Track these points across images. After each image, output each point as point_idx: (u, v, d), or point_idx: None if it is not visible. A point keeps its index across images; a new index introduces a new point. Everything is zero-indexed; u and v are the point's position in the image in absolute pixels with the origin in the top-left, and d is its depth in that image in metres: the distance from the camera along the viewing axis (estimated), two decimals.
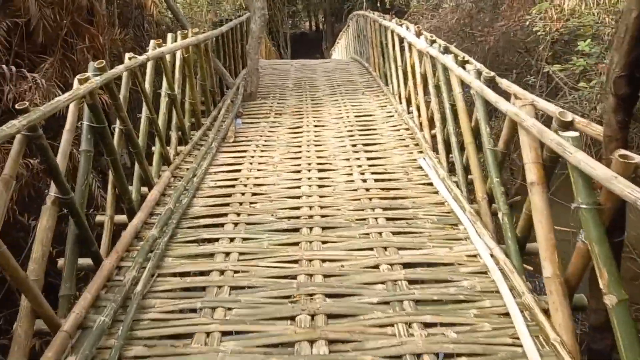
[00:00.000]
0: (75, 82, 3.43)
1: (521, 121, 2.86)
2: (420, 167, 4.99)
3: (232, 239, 3.77)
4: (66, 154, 3.20)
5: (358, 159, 5.35)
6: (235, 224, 4.01)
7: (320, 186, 4.70)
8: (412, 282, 3.19)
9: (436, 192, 4.44)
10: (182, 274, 3.42)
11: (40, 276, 2.79)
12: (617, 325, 2.16)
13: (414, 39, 5.90)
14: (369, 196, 4.43)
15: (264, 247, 3.65)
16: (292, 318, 2.85)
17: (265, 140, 6.10)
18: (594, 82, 5.27)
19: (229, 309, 2.95)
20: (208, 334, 2.75)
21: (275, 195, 4.54)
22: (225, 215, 4.16)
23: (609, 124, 2.34)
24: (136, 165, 4.37)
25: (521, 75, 8.20)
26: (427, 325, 2.78)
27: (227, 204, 4.37)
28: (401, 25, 6.97)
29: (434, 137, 5.46)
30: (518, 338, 2.63)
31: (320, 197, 4.46)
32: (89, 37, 6.21)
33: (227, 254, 3.57)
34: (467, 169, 4.37)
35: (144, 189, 4.47)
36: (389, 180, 4.79)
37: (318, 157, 5.45)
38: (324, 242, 3.69)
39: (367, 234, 3.78)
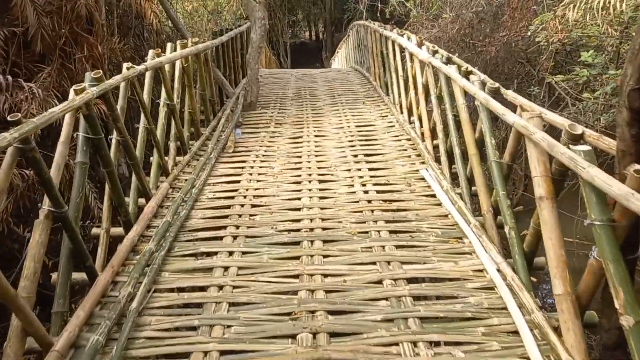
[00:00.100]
0: (71, 92, 3.35)
1: (530, 134, 2.78)
2: (422, 178, 4.91)
3: (231, 253, 3.67)
4: (60, 167, 3.11)
5: (359, 169, 5.26)
6: (235, 237, 3.92)
7: (321, 197, 4.61)
8: (416, 298, 3.09)
9: (439, 204, 4.35)
10: (180, 290, 3.32)
11: (31, 294, 2.69)
12: (634, 347, 2.06)
13: (416, 49, 5.85)
14: (371, 208, 4.34)
15: (263, 261, 3.55)
16: (293, 336, 2.75)
17: (265, 151, 6.02)
18: (598, 93, 5.21)
19: (228, 326, 2.85)
20: (206, 353, 2.65)
21: (275, 207, 4.45)
22: (224, 227, 4.07)
23: (623, 138, 2.26)
24: (133, 177, 4.28)
25: (522, 86, 8.16)
26: (433, 344, 2.68)
27: (226, 216, 4.28)
28: (402, 35, 6.93)
29: (436, 147, 5.39)
30: (528, 358, 2.53)
31: (321, 209, 4.37)
32: (88, 47, 6.15)
33: (226, 268, 3.47)
34: (470, 181, 4.29)
35: (142, 201, 4.38)
36: (391, 191, 4.70)
37: (319, 168, 5.36)
38: (325, 256, 3.59)
39: (370, 247, 3.69)
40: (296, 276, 3.36)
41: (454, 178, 4.83)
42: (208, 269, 3.48)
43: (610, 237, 2.20)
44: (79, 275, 3.32)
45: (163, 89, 5.27)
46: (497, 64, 8.81)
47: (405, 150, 5.77)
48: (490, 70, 8.23)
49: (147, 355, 2.67)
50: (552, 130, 3.12)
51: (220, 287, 3.24)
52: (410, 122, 6.44)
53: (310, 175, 5.15)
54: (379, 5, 16.07)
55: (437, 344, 2.68)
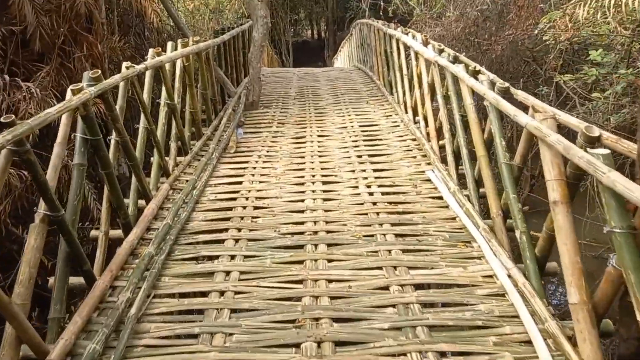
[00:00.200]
0: (69, 92, 3.25)
1: (544, 136, 2.67)
2: (428, 180, 4.81)
3: (232, 257, 3.57)
4: (57, 169, 3.02)
5: (364, 170, 5.16)
6: (236, 240, 3.82)
7: (325, 199, 4.51)
8: (424, 305, 2.98)
9: (447, 207, 4.24)
10: (180, 295, 3.21)
11: (26, 300, 2.60)
12: None
13: (422, 48, 5.74)
14: (376, 210, 4.24)
15: (266, 265, 3.45)
16: (297, 345, 2.65)
17: (267, 151, 5.92)
18: (608, 93, 5.09)
19: (229, 334, 2.75)
20: None
21: (278, 209, 4.35)
22: (226, 230, 3.97)
23: None
24: (133, 178, 4.19)
25: (528, 84, 8.05)
26: (442, 354, 2.58)
27: (228, 219, 4.18)
28: (407, 33, 6.81)
29: (441, 148, 5.29)
30: None
31: (325, 211, 4.27)
32: (87, 45, 6.06)
33: (228, 273, 3.37)
34: (477, 182, 4.19)
35: (142, 202, 4.29)
36: (397, 193, 4.60)
37: (322, 169, 5.26)
38: (329, 261, 3.49)
39: (376, 251, 3.58)
40: (300, 281, 3.25)
41: (461, 179, 4.73)
42: (209, 274, 3.38)
43: (631, 245, 2.09)
44: (76, 280, 3.22)
45: (164, 88, 5.16)
46: (502, 63, 8.69)
47: (411, 150, 5.66)
48: (496, 69, 8.11)
49: None
50: (559, 130, 3.01)
51: (222, 293, 3.14)
52: (415, 122, 6.33)
53: (313, 176, 5.05)
54: (382, 3, 15.95)
55: (447, 354, 2.58)
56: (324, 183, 4.88)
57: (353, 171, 5.15)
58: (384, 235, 3.81)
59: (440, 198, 4.41)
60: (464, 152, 4.37)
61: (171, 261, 3.54)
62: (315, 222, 4.05)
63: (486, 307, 2.92)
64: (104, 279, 3.18)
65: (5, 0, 5.37)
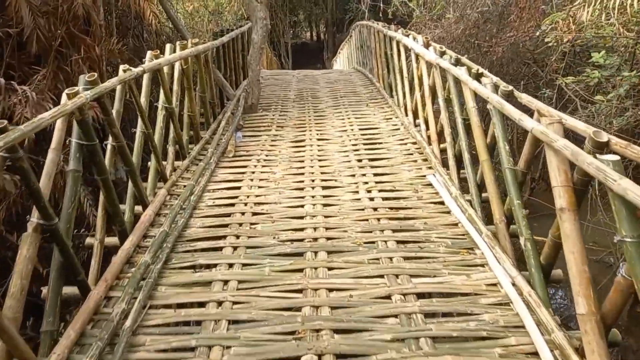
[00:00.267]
0: (64, 96, 3.18)
1: (550, 141, 2.60)
2: (430, 184, 4.73)
3: (231, 265, 3.50)
4: (51, 175, 2.94)
5: (364, 175, 5.09)
6: (235, 248, 3.74)
7: (325, 205, 4.43)
8: (427, 315, 2.91)
9: (448, 212, 4.17)
10: (177, 306, 3.14)
11: (18, 313, 2.52)
12: None
13: (423, 50, 5.67)
14: (377, 216, 4.16)
15: (265, 274, 3.37)
16: (297, 358, 2.58)
17: (266, 155, 5.85)
18: (612, 95, 5.02)
19: (227, 347, 2.67)
20: None
21: (277, 215, 4.27)
22: (224, 237, 3.89)
23: None
24: (129, 184, 4.11)
25: (528, 87, 7.98)
26: None
27: (226, 225, 4.10)
28: (408, 35, 6.75)
29: (442, 151, 5.22)
30: None
31: (325, 217, 4.19)
32: (85, 48, 5.98)
33: (226, 282, 3.29)
34: (480, 187, 4.12)
35: (138, 208, 4.21)
36: (398, 198, 4.52)
37: (322, 173, 5.19)
38: (330, 269, 3.41)
39: (377, 259, 3.51)
40: (300, 291, 3.18)
41: (462, 183, 4.67)
42: (207, 283, 3.30)
43: None
44: (70, 290, 3.15)
45: (161, 91, 5.09)
46: (502, 65, 8.62)
47: (412, 154, 5.59)
48: (496, 71, 8.03)
49: None
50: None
51: (220, 303, 3.06)
52: (416, 125, 6.27)
53: (313, 181, 4.97)
54: (381, 5, 15.89)
55: None
56: (324, 188, 4.81)
57: (353, 175, 5.08)
58: (385, 242, 3.73)
59: (442, 203, 4.34)
60: (466, 156, 4.30)
61: (168, 270, 3.46)
62: (315, 229, 3.98)
63: (491, 316, 2.84)
64: (98, 290, 3.10)
65: (2, 1, 5.30)
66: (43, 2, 5.62)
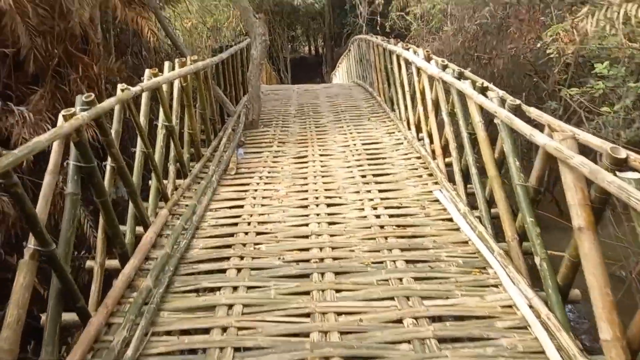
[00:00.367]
0: (60, 118, 3.09)
1: (565, 158, 2.51)
2: (437, 200, 4.64)
3: (235, 288, 3.38)
4: (48, 200, 2.83)
5: (369, 191, 4.99)
6: (239, 270, 3.63)
7: (330, 223, 4.33)
8: (442, 340, 2.79)
9: (457, 229, 4.07)
10: (180, 332, 3.02)
11: (14, 345, 2.40)
12: None
13: (424, 63, 5.62)
14: (385, 234, 4.06)
15: (271, 297, 3.26)
16: None
17: (269, 172, 5.76)
18: (618, 107, 4.95)
19: None
20: None
21: (281, 234, 4.17)
22: (228, 259, 3.78)
23: None
24: (130, 205, 4.01)
25: (530, 98, 7.92)
26: None
27: (230, 246, 4.00)
28: (407, 49, 6.71)
29: (448, 165, 5.13)
30: None
31: (331, 236, 4.09)
32: (83, 67, 5.93)
33: (230, 306, 3.17)
34: (489, 203, 4.02)
35: (139, 229, 4.10)
36: (405, 215, 4.42)
37: (326, 190, 5.09)
38: (338, 291, 3.30)
39: (386, 280, 3.40)
40: (307, 315, 3.06)
41: (469, 197, 4.57)
42: (211, 307, 3.19)
43: None
44: (70, 316, 3.02)
45: (161, 109, 5.01)
46: (503, 77, 8.59)
47: (416, 169, 5.50)
48: (496, 83, 7.99)
49: None
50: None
51: (224, 329, 2.94)
52: (419, 139, 6.19)
53: (317, 198, 4.88)
54: (379, 19, 15.96)
55: None
56: (329, 205, 4.71)
57: (358, 192, 4.98)
58: (394, 261, 3.62)
59: (450, 220, 4.24)
60: (474, 171, 4.22)
61: (170, 294, 3.35)
62: (321, 249, 3.87)
63: (508, 341, 2.72)
64: (98, 316, 2.98)
65: None
66: (40, 21, 5.58)
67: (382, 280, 3.38)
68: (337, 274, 3.50)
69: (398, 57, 7.19)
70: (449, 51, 9.64)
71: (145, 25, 7.60)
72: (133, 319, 2.97)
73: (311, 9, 22.33)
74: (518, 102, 3.47)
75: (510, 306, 3.03)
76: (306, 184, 5.27)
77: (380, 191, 4.97)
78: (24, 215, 2.58)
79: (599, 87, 5.41)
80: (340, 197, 4.88)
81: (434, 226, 4.16)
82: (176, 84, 5.61)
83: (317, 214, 4.51)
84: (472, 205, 4.32)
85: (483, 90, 4.03)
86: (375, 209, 4.56)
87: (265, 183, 5.40)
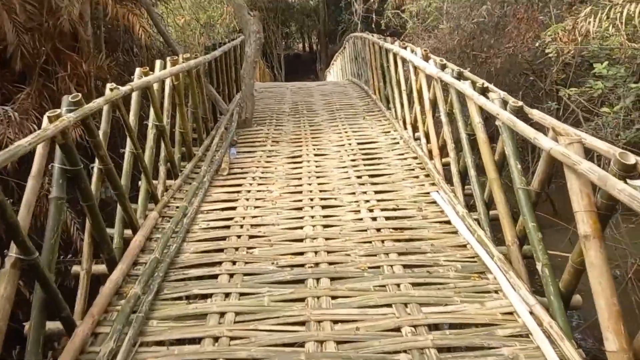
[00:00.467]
0: (45, 119, 2.96)
1: (573, 164, 2.41)
2: (434, 202, 4.54)
3: (227, 295, 3.27)
4: (31, 206, 2.70)
5: (365, 192, 4.89)
6: (231, 275, 3.51)
7: (325, 226, 4.22)
8: (441, 349, 2.69)
9: (455, 232, 3.98)
10: (170, 343, 2.90)
11: None
12: None
13: (422, 63, 5.52)
14: (381, 238, 3.96)
15: (264, 304, 3.15)
16: None
17: (262, 172, 5.64)
18: (618, 107, 4.87)
19: None
20: None
21: (275, 237, 4.05)
22: (219, 264, 3.66)
23: None
24: (118, 208, 3.88)
25: (526, 97, 7.85)
26: None
27: (221, 250, 3.88)
28: (405, 48, 6.60)
29: (445, 166, 5.04)
30: None
31: (326, 239, 3.98)
32: (72, 65, 5.79)
33: (222, 314, 3.06)
34: (487, 205, 3.94)
35: (128, 232, 3.98)
36: (402, 218, 4.32)
37: (321, 191, 4.98)
38: (333, 297, 3.19)
39: (383, 285, 3.29)
40: (302, 323, 2.96)
41: (467, 197, 4.49)
42: (202, 316, 3.07)
43: None
44: (54, 325, 2.90)
45: (151, 109, 4.88)
46: (499, 75, 8.52)
47: (413, 170, 5.40)
48: (492, 81, 7.92)
49: None
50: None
51: (216, 339, 2.83)
52: (416, 139, 6.10)
53: (312, 200, 4.77)
54: (374, 16, 15.84)
55: None
56: (324, 207, 4.60)
57: (353, 193, 4.88)
58: (391, 266, 3.52)
59: (448, 222, 4.15)
60: (472, 173, 4.13)
61: (160, 301, 3.23)
62: (316, 253, 3.77)
63: (509, 350, 2.63)
64: (84, 326, 2.86)
65: None
66: (28, 17, 5.43)
67: (379, 286, 3.28)
68: (332, 279, 3.40)
69: (395, 55, 7.09)
70: (444, 49, 9.54)
71: (137, 22, 7.44)
72: (120, 329, 2.85)
73: (306, 6, 22.20)
74: (520, 103, 3.37)
75: (510, 313, 2.94)
76: (300, 185, 5.17)
77: (376, 192, 4.88)
78: (5, 223, 2.45)
79: (598, 87, 5.34)
80: (335, 199, 4.78)
81: (432, 229, 4.07)
82: (168, 82, 5.48)
83: (312, 216, 4.40)
84: (470, 206, 4.23)
85: (483, 91, 3.93)
86: (371, 210, 4.46)
87: (259, 184, 5.28)
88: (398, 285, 3.29)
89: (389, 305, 3.07)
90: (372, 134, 6.84)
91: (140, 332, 2.89)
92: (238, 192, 5.08)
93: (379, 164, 5.69)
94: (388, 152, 6.04)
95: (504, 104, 3.46)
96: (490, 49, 8.16)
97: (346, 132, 7.02)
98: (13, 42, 5.26)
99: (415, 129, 6.20)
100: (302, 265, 3.60)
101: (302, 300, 3.18)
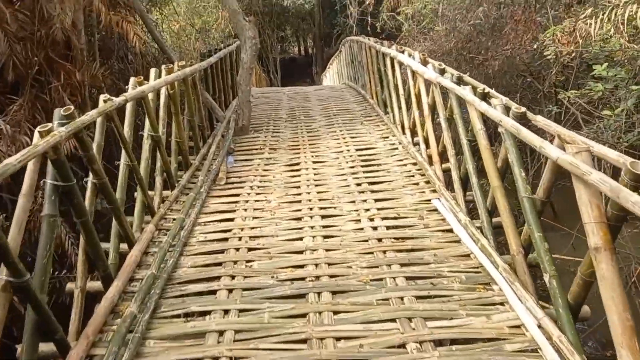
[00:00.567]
0: (36, 134, 2.87)
1: (582, 174, 2.34)
2: (435, 210, 4.47)
3: (226, 312, 3.18)
4: (22, 225, 2.61)
5: (365, 201, 4.80)
6: (230, 290, 3.42)
7: (325, 237, 4.14)
8: None
9: (458, 241, 3.90)
10: None
11: None
12: None
13: (421, 67, 5.44)
14: (383, 248, 3.87)
15: (264, 321, 3.06)
16: None
17: (260, 181, 5.56)
18: (620, 110, 4.81)
19: None
20: None
21: (274, 250, 3.97)
22: (218, 278, 3.57)
23: None
24: (114, 222, 3.79)
25: (524, 99, 7.79)
26: None
27: (220, 264, 3.79)
28: (402, 51, 6.53)
29: (445, 171, 4.97)
30: None
31: (327, 250, 3.90)
32: (65, 74, 5.70)
33: (221, 332, 2.97)
34: (490, 213, 3.86)
35: (124, 246, 3.88)
36: (403, 227, 4.24)
37: (320, 200, 4.90)
38: (335, 312, 3.11)
39: (386, 299, 3.21)
40: (304, 341, 2.87)
41: (468, 204, 4.42)
42: (200, 334, 2.98)
43: None
44: (48, 347, 2.81)
45: (147, 119, 4.79)
46: (496, 77, 8.46)
47: (413, 176, 5.32)
48: (490, 83, 7.86)
49: None
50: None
51: None
52: (415, 144, 6.02)
53: (311, 209, 4.68)
54: (369, 19, 15.79)
55: None
56: (323, 217, 4.52)
57: (353, 202, 4.79)
58: (394, 278, 3.44)
59: (450, 231, 4.07)
60: (474, 180, 4.05)
61: (157, 319, 3.13)
62: (316, 265, 3.68)
63: None
64: (79, 348, 2.77)
65: None
66: (19, 27, 5.34)
67: (382, 300, 3.20)
68: (334, 293, 3.32)
69: (392, 59, 7.02)
70: (441, 52, 9.48)
71: (131, 29, 7.36)
72: (117, 350, 2.76)
73: (301, 9, 22.11)
74: (523, 109, 3.30)
75: (518, 326, 2.87)
76: (299, 194, 5.08)
77: (376, 200, 4.79)
78: None
79: (597, 89, 5.27)
80: (335, 208, 4.69)
81: (434, 238, 3.99)
82: (163, 91, 5.39)
83: (312, 227, 4.32)
84: (472, 213, 4.16)
85: (484, 97, 3.86)
86: (372, 220, 4.38)
87: (257, 193, 5.19)
88: (401, 298, 3.21)
89: (392, 320, 2.99)
90: (370, 140, 6.76)
91: (137, 354, 2.80)
92: (236, 202, 4.99)
93: (378, 170, 5.61)
94: (387, 158, 5.96)
95: (507, 110, 3.39)
96: (487, 51, 8.10)
97: (344, 137, 6.94)
98: (4, 52, 5.16)
99: (413, 133, 6.13)
100: (303, 279, 3.51)
101: (303, 316, 3.09)
